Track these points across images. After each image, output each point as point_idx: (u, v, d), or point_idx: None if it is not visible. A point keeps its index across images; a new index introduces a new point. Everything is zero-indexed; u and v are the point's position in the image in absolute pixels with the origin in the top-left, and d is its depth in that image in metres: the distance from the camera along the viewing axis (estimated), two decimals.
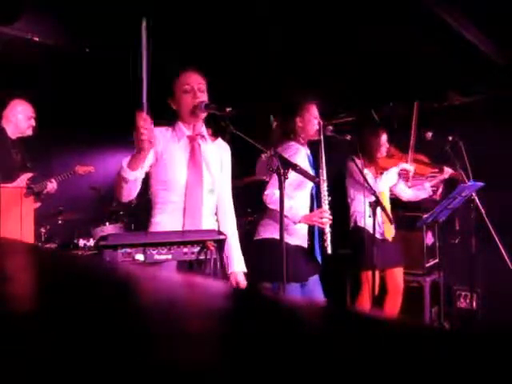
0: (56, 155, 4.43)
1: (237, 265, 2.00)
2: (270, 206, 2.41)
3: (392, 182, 3.17)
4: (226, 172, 2.06)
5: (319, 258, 2.54)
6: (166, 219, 1.87)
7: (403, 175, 3.37)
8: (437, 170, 3.37)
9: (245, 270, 2.04)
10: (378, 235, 2.90)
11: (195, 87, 1.91)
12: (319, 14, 2.88)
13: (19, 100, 3.33)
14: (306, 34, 3.13)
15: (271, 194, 2.41)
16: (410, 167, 3.24)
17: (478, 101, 3.87)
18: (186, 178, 1.88)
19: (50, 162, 4.40)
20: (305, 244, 2.54)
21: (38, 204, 3.31)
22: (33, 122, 3.33)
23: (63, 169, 3.52)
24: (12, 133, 3.26)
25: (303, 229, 2.53)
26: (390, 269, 3.15)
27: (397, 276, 3.17)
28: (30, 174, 3.20)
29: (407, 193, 3.41)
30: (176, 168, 1.87)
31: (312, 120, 2.61)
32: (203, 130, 1.99)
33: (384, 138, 3.25)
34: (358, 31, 3.07)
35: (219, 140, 2.06)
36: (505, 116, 3.67)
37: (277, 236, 2.33)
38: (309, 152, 2.65)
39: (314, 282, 2.58)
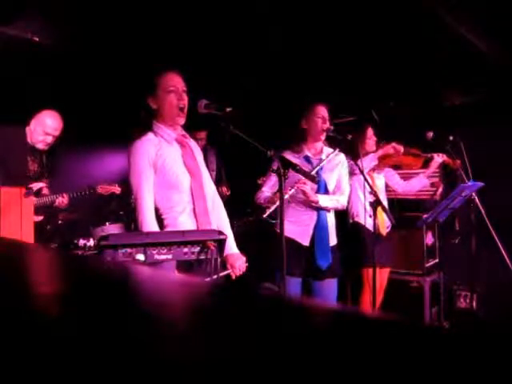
0: (55, 155, 4.42)
1: (231, 247, 2.06)
2: (260, 203, 2.59)
3: (366, 164, 3.13)
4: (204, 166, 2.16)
5: (322, 264, 2.53)
6: (185, 219, 1.91)
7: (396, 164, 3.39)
8: (429, 157, 3.35)
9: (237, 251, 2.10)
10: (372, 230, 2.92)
11: (180, 89, 1.95)
12: (319, 14, 2.88)
13: (51, 112, 3.11)
14: (306, 34, 3.13)
15: (259, 193, 2.63)
16: (395, 147, 3.17)
17: (478, 101, 3.87)
18: (189, 178, 1.93)
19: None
20: (302, 241, 2.54)
21: (40, 218, 3.15)
22: (48, 140, 3.10)
23: (62, 169, 3.46)
24: (29, 140, 3.07)
25: (301, 226, 2.54)
26: (380, 268, 3.13)
27: (383, 275, 3.18)
28: (40, 184, 3.06)
29: (402, 185, 3.43)
30: (179, 170, 1.92)
31: (317, 121, 2.60)
32: (180, 128, 2.04)
33: (370, 131, 3.26)
34: (358, 31, 3.07)
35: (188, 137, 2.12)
36: (505, 116, 3.66)
37: (277, 228, 2.44)
38: (310, 154, 2.64)
39: (324, 287, 2.59)
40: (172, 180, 1.90)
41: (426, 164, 3.35)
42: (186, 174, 1.92)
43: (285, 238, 2.46)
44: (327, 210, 2.60)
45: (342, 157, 2.71)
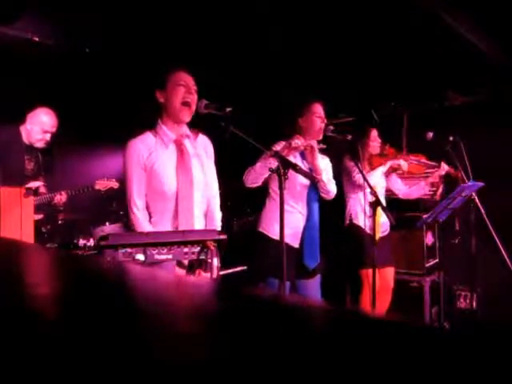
0: (54, 155, 4.41)
1: None
2: (246, 183, 2.47)
3: (376, 180, 3.13)
4: (212, 167, 2.08)
5: (310, 264, 2.51)
6: (166, 226, 1.89)
7: (398, 173, 3.41)
8: (433, 165, 3.36)
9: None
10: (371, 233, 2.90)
11: (189, 85, 1.95)
12: (319, 13, 2.88)
13: (46, 109, 3.08)
14: (306, 34, 3.13)
15: (247, 171, 2.47)
16: (402, 162, 3.22)
17: (478, 101, 3.87)
18: (176, 185, 1.88)
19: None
20: (293, 243, 2.48)
21: (40, 216, 3.14)
22: (47, 137, 3.09)
23: (61, 169, 3.45)
24: (25, 139, 3.07)
25: (292, 228, 2.51)
26: (381, 268, 3.12)
27: (387, 275, 3.17)
28: (38, 183, 3.06)
29: (402, 190, 3.45)
30: (168, 176, 1.88)
31: (314, 120, 2.60)
32: (185, 128, 2.00)
33: (374, 133, 3.25)
34: (358, 31, 3.07)
35: (201, 136, 2.07)
36: (505, 116, 3.66)
37: (264, 230, 2.38)
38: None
39: (309, 286, 2.56)
40: (158, 186, 1.87)
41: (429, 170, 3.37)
42: (173, 182, 1.88)
43: (275, 242, 2.29)
44: (322, 183, 2.52)
45: (326, 159, 2.71)
